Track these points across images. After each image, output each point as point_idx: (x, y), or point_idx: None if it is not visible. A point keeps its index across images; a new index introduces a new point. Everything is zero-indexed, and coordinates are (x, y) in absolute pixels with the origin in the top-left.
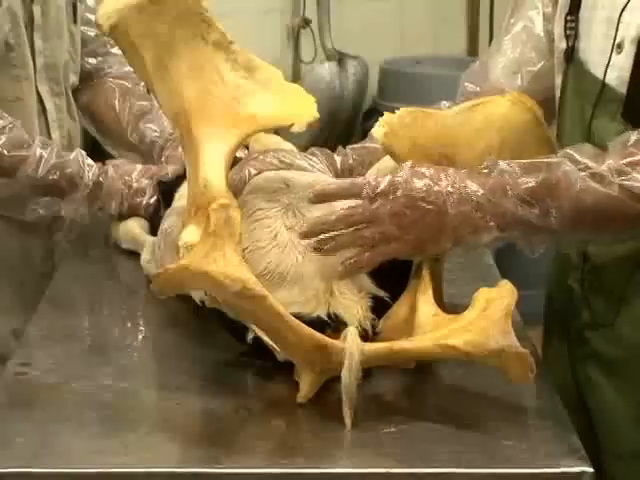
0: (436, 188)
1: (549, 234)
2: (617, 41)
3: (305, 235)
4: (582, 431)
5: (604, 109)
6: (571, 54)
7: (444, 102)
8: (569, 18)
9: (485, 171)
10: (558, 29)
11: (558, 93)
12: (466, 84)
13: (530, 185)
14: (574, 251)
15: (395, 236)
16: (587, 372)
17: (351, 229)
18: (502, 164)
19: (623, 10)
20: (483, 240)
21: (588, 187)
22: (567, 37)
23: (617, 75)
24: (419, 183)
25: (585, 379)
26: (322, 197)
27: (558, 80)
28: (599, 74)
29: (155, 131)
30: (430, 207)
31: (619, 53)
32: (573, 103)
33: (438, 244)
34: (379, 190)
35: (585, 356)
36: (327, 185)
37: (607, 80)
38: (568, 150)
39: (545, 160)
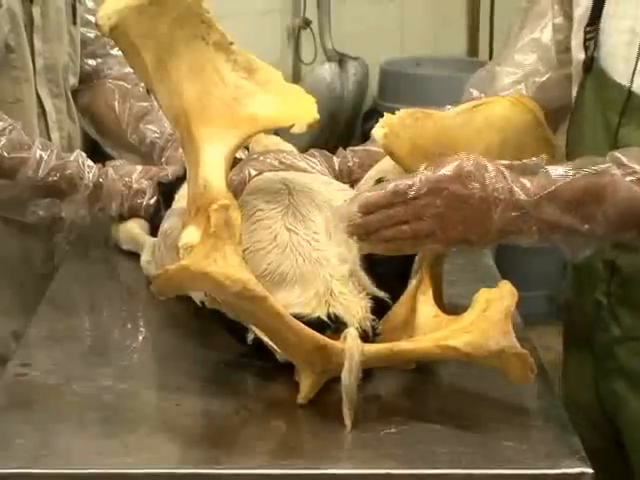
0: (480, 193)
1: (592, 239)
2: None
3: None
4: (607, 446)
5: (631, 117)
6: (590, 64)
7: (449, 107)
8: (589, 29)
9: (532, 173)
10: (576, 41)
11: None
12: (471, 90)
13: (576, 191)
14: (600, 263)
15: (437, 235)
16: (613, 387)
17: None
18: (550, 167)
19: None
20: (524, 242)
21: (635, 193)
22: (586, 48)
23: None
24: (464, 187)
25: (611, 394)
26: (366, 209)
27: (574, 91)
28: (624, 82)
29: (155, 132)
30: (475, 212)
31: None
32: (595, 112)
33: (480, 244)
34: (424, 191)
35: (611, 371)
36: (369, 196)
37: (633, 88)
38: (616, 153)
39: (593, 165)
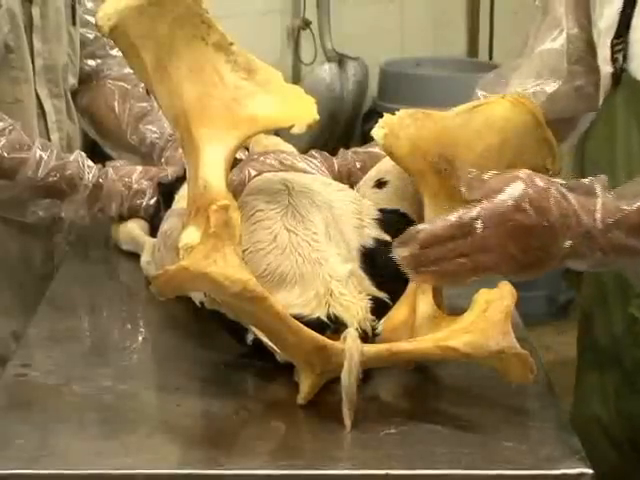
0: (545, 223)
1: None
2: None
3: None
4: (627, 465)
5: None
6: (619, 77)
7: (454, 109)
8: (615, 42)
9: (591, 193)
10: (602, 54)
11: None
12: (478, 92)
13: None
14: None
15: (499, 267)
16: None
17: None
18: (615, 191)
19: None
20: (583, 266)
21: None
22: (614, 60)
23: None
24: (528, 217)
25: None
26: (426, 242)
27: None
28: None
29: (155, 132)
30: (539, 241)
31: None
32: (629, 127)
33: (542, 270)
34: (487, 224)
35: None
36: (435, 228)
37: None
38: None
39: None
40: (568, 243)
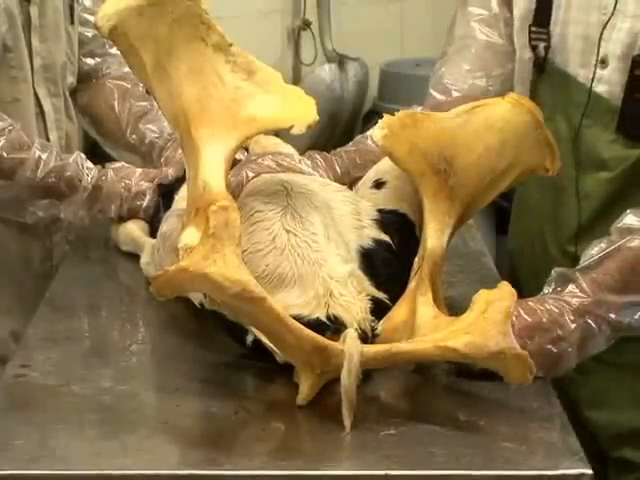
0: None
1: None
2: (600, 57)
3: None
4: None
5: (596, 119)
6: (543, 65)
7: (414, 106)
8: (535, 30)
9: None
10: (520, 38)
11: None
12: (433, 93)
13: (614, 270)
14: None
15: None
16: None
17: None
18: (580, 274)
19: (604, 28)
20: (605, 343)
21: None
22: (533, 47)
23: (607, 89)
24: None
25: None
26: None
27: (519, 88)
28: (587, 85)
29: (155, 132)
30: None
31: (604, 68)
32: (555, 111)
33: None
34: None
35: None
36: None
37: (596, 91)
38: (623, 225)
39: (607, 247)
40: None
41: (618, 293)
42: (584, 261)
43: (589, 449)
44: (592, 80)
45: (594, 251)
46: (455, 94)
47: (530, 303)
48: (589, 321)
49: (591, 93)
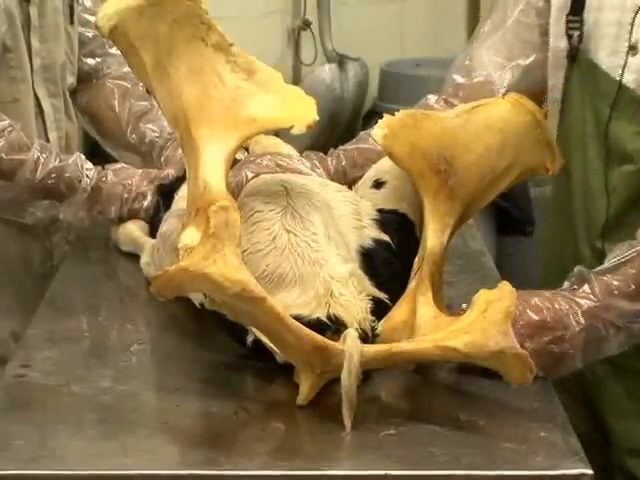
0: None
1: None
2: (631, 43)
3: None
4: (586, 422)
5: (622, 111)
6: (575, 54)
7: (430, 95)
8: (571, 18)
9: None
10: (556, 28)
11: (557, 94)
12: (454, 76)
13: (630, 277)
14: (588, 251)
15: None
16: (595, 370)
17: None
18: (599, 273)
19: (637, 13)
20: (615, 348)
21: None
22: (569, 37)
23: (634, 77)
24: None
25: (592, 377)
26: None
27: (553, 79)
28: (615, 75)
29: (155, 131)
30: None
31: (634, 55)
32: (584, 105)
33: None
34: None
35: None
36: None
37: (624, 82)
38: None
39: (628, 250)
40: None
41: (631, 300)
42: (607, 261)
43: (600, 457)
44: (623, 68)
45: (616, 253)
46: (477, 79)
47: (537, 301)
48: (597, 325)
49: (620, 82)
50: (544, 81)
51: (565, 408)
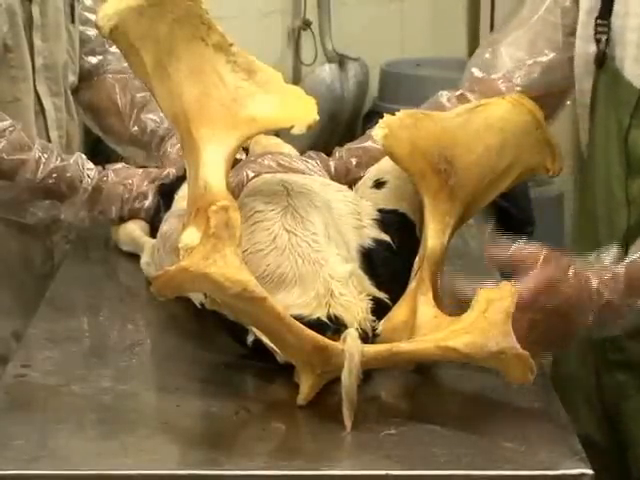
0: (565, 305)
1: None
2: None
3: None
4: (604, 433)
5: None
6: (603, 59)
7: (443, 92)
8: (600, 22)
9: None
10: (585, 31)
11: (585, 99)
12: (473, 70)
13: None
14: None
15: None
16: (618, 379)
17: None
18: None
19: None
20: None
21: None
22: (597, 41)
23: None
24: (550, 300)
25: (615, 386)
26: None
27: (582, 84)
28: (636, 83)
29: (155, 121)
30: (560, 323)
31: None
32: (608, 112)
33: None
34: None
35: (617, 363)
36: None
37: None
38: None
39: None
40: (588, 318)
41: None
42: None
43: (619, 469)
44: None
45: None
46: (495, 74)
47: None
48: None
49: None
50: (563, 82)
51: (585, 420)
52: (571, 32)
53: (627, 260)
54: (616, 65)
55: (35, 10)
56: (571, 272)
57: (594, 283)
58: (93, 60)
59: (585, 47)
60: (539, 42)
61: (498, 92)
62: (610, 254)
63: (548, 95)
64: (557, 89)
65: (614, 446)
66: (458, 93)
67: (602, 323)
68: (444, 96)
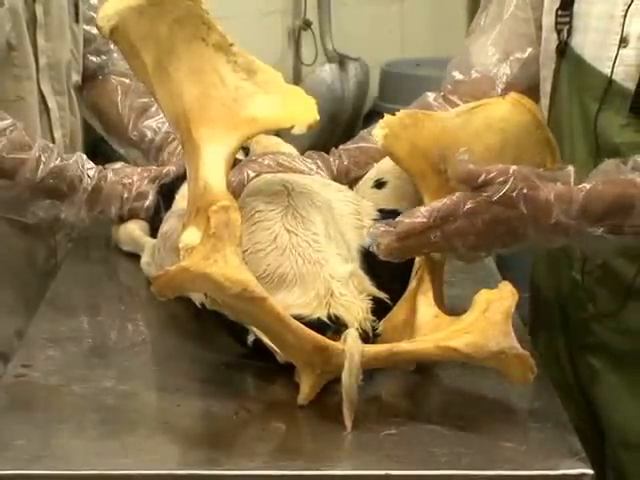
0: (519, 216)
1: (620, 247)
2: (622, 35)
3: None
4: (583, 419)
5: (610, 103)
6: (564, 49)
7: (428, 93)
8: (561, 13)
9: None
10: (547, 21)
11: (547, 87)
12: (453, 73)
13: (606, 203)
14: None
15: (470, 248)
16: (590, 363)
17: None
18: (586, 184)
19: (629, 5)
20: (551, 247)
21: None
22: (558, 31)
23: (623, 69)
24: (502, 211)
25: (588, 370)
26: (405, 235)
27: (545, 72)
28: (604, 69)
29: (153, 130)
30: (511, 231)
31: (624, 47)
32: (572, 98)
33: (504, 247)
34: (463, 214)
35: (588, 347)
36: (408, 224)
37: (615, 76)
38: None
39: (619, 173)
40: (538, 233)
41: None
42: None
43: (593, 452)
44: (614, 60)
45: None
46: (475, 75)
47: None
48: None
49: (611, 76)
50: (537, 77)
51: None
52: (541, 26)
53: (587, 186)
54: (577, 52)
55: (39, 9)
56: (532, 182)
57: (550, 197)
58: (97, 59)
59: (547, 36)
60: (514, 39)
61: (480, 92)
62: (573, 174)
63: (530, 89)
64: (537, 82)
65: (595, 432)
66: (442, 94)
67: (548, 239)
68: (430, 96)
